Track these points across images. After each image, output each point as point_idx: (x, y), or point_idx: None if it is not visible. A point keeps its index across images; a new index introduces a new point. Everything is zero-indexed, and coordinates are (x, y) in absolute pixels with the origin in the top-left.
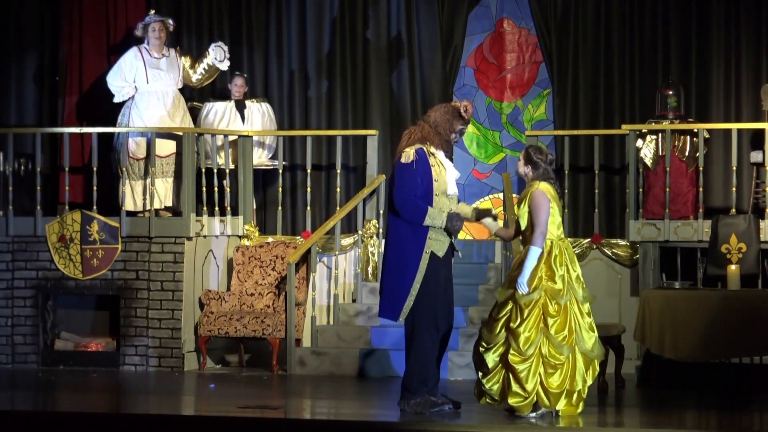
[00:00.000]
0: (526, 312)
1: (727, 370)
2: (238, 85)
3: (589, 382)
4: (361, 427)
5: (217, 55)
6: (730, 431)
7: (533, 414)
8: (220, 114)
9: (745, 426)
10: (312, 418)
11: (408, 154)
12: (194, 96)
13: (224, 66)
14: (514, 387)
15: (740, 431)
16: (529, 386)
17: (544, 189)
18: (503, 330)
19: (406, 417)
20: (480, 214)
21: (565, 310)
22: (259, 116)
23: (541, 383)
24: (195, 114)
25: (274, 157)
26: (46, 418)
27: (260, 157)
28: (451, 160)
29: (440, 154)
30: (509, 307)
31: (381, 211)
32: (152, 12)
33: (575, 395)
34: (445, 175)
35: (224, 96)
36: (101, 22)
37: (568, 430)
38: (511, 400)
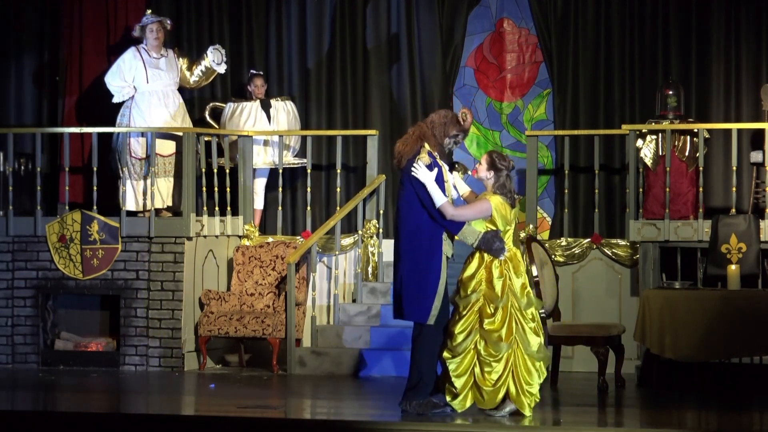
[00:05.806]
0: (462, 312)
1: (727, 370)
2: (258, 86)
3: (538, 381)
4: (361, 427)
5: (215, 58)
6: (730, 431)
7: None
8: (246, 114)
9: (745, 426)
10: (312, 418)
11: (425, 159)
12: (209, 96)
13: (222, 69)
14: (448, 383)
15: (740, 431)
16: (458, 383)
17: (495, 203)
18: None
19: (407, 417)
20: (453, 167)
21: (504, 311)
22: (285, 115)
23: (475, 381)
24: (217, 114)
25: (296, 156)
26: (46, 418)
27: (286, 157)
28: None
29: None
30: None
31: (381, 211)
32: (149, 12)
33: (525, 396)
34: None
35: (241, 95)
36: (101, 22)
37: (567, 429)
38: (447, 396)
